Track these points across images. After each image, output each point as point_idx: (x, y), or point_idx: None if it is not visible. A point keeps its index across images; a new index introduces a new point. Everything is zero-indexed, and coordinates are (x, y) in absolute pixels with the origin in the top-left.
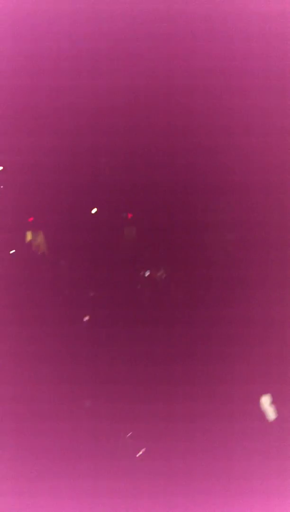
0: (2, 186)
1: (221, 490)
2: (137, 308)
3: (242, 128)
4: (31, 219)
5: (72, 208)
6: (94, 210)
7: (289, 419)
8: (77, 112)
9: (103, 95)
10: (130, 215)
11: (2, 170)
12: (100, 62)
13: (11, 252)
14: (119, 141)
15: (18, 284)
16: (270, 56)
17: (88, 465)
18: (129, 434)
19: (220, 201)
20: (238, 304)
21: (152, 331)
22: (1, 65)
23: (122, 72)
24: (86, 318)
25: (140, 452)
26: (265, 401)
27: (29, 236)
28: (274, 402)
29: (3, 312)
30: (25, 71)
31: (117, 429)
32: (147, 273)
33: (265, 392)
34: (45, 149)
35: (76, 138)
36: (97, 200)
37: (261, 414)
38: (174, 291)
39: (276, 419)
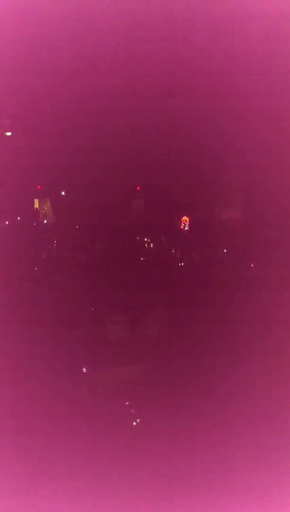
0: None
1: (221, 490)
2: (136, 310)
3: (242, 127)
4: (39, 187)
5: (73, 208)
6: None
7: (289, 419)
8: (77, 112)
9: (103, 95)
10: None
11: None
12: (100, 62)
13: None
14: (119, 141)
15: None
16: (270, 56)
17: (88, 466)
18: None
19: (220, 201)
20: (238, 304)
21: (152, 331)
22: (1, 65)
23: (122, 72)
24: None
25: None
26: None
27: (36, 204)
28: (274, 402)
29: (3, 312)
30: (25, 71)
31: (117, 429)
32: None
33: (265, 392)
34: (45, 148)
35: (75, 137)
36: (97, 200)
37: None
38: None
39: (276, 419)
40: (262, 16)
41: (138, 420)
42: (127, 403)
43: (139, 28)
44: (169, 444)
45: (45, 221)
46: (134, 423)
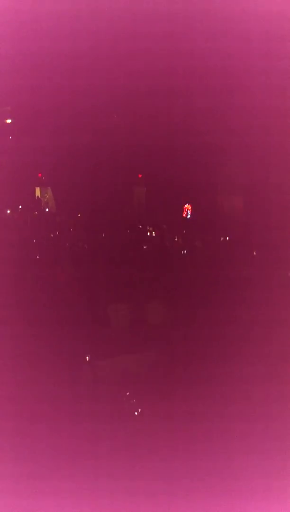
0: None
1: (221, 490)
2: (137, 310)
3: (242, 127)
4: (40, 175)
5: (73, 208)
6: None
7: (289, 419)
8: (77, 112)
9: (103, 95)
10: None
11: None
12: (100, 62)
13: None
14: (119, 141)
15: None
16: (270, 56)
17: (88, 465)
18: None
19: (220, 201)
20: (238, 304)
21: (152, 332)
22: (1, 65)
23: (122, 72)
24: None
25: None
26: None
27: (38, 192)
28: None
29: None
30: (25, 71)
31: (117, 430)
32: None
33: (265, 392)
34: (45, 148)
35: (75, 137)
36: (97, 201)
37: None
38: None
39: (276, 419)
40: (262, 16)
41: (139, 421)
42: (128, 405)
43: (138, 27)
44: (170, 446)
45: (47, 210)
46: (134, 425)
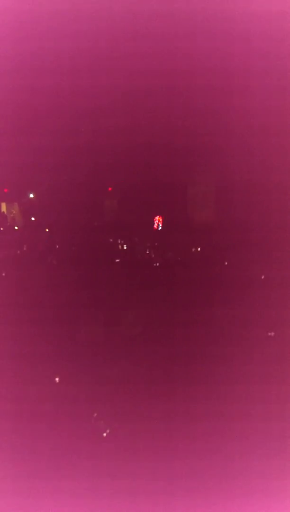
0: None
1: (221, 490)
2: (137, 310)
3: (242, 127)
4: (6, 190)
5: (72, 209)
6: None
7: (289, 419)
8: (77, 112)
9: (103, 95)
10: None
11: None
12: (100, 62)
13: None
14: (119, 141)
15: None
16: (270, 56)
17: (88, 465)
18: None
19: (220, 202)
20: (238, 304)
21: (152, 332)
22: (1, 65)
23: (122, 72)
24: None
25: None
26: None
27: (3, 207)
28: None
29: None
30: (25, 71)
31: (117, 430)
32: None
33: (265, 392)
34: (44, 148)
35: (75, 137)
36: (97, 201)
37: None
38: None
39: (276, 419)
40: (262, 16)
41: (138, 422)
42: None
43: (138, 27)
44: (169, 447)
45: (15, 227)
46: (134, 425)
